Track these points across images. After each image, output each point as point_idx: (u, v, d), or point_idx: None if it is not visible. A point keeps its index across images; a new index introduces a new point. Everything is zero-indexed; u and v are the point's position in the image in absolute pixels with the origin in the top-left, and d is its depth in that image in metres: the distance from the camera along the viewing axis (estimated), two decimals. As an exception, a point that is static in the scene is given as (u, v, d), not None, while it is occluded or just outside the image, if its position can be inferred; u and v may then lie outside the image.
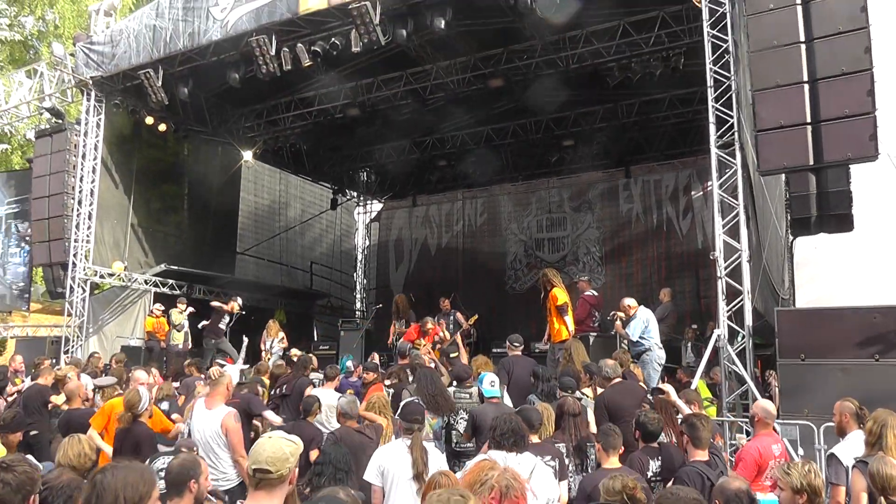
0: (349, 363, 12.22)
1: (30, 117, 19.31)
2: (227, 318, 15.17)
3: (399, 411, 6.06)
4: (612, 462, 5.31)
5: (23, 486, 2.98)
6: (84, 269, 16.08)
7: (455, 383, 8.26)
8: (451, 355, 10.41)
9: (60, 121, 16.66)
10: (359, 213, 26.22)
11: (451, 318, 13.92)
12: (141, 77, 14.63)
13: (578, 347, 9.59)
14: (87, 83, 15.86)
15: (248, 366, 12.98)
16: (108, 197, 16.86)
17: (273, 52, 13.09)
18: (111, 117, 16.57)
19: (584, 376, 8.62)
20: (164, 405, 9.19)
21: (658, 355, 10.15)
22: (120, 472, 2.85)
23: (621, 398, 7.33)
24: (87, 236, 16.13)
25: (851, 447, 5.59)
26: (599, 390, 8.32)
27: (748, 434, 7.43)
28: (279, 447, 3.23)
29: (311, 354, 11.79)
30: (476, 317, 14.01)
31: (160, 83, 14.58)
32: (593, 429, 7.10)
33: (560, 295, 11.31)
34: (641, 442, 5.91)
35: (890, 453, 4.94)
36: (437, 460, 5.45)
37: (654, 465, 5.71)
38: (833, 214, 12.79)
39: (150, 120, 16.56)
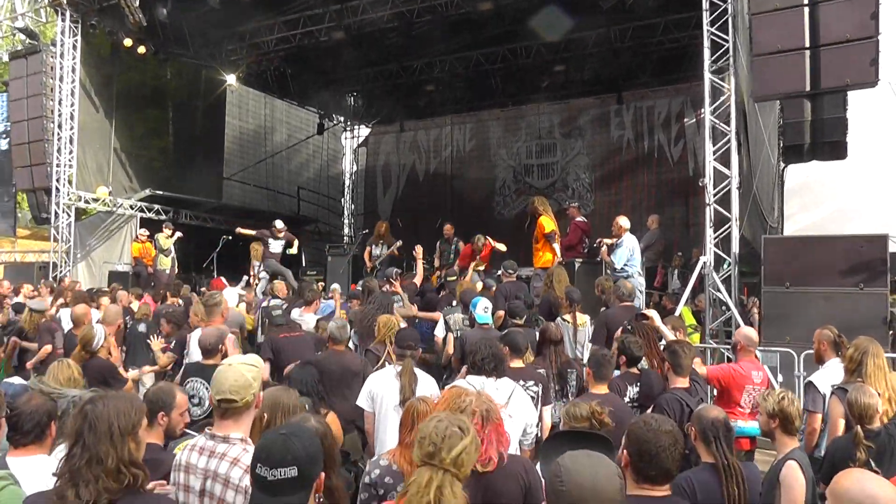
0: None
1: (3, 38, 18.79)
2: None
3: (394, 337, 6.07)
4: (601, 388, 5.29)
5: None
6: (68, 195, 15.91)
7: (463, 308, 8.34)
8: (450, 279, 10.38)
9: (35, 42, 16.14)
10: (346, 139, 25.93)
11: (454, 246, 13.74)
12: (118, -4, 14.16)
13: (560, 274, 9.55)
14: (61, 3, 15.38)
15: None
16: (89, 121, 16.57)
17: (256, -28, 12.68)
18: (88, 39, 16.16)
19: (564, 302, 8.60)
20: (142, 327, 9.24)
21: (639, 282, 10.14)
22: (110, 401, 2.80)
23: (622, 319, 7.35)
24: (70, 161, 15.89)
25: (829, 375, 5.61)
26: (582, 316, 8.34)
27: (730, 360, 7.44)
28: (241, 374, 3.18)
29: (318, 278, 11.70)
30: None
31: (137, 3, 14.13)
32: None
33: (547, 223, 11.23)
34: (624, 367, 5.90)
35: (869, 381, 4.93)
36: (429, 387, 5.44)
37: (632, 391, 5.71)
38: (827, 142, 12.69)
39: (128, 42, 16.07)
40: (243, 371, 3.19)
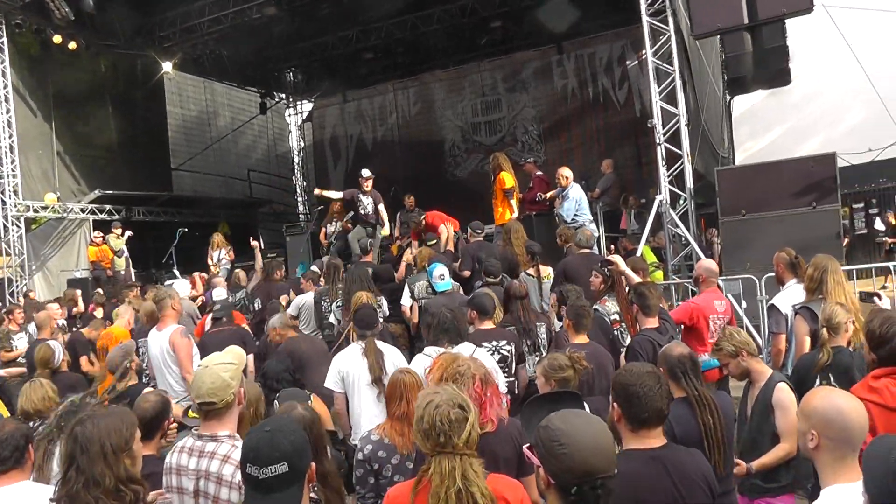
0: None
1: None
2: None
3: (353, 316, 6.05)
4: (582, 339, 5.37)
5: None
6: (15, 206, 15.54)
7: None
8: (430, 242, 10.35)
9: (-42, 48, 15.69)
10: (290, 115, 25.65)
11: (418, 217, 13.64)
12: (41, -8, 13.74)
13: (518, 229, 9.59)
14: (-19, 4, 14.88)
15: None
16: (27, 126, 16.17)
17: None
18: (15, 39, 15.67)
19: (525, 257, 8.68)
20: None
21: (592, 229, 10.26)
22: (100, 420, 2.78)
23: (580, 267, 7.45)
24: (13, 170, 15.51)
25: (789, 296, 5.78)
26: (545, 269, 8.43)
27: (693, 294, 7.61)
28: (217, 376, 3.17)
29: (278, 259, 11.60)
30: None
31: (62, -3, 13.73)
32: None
33: (508, 179, 11.28)
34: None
35: (830, 298, 5.07)
36: (396, 359, 5.50)
37: None
38: (770, 70, 12.85)
39: (58, 38, 15.65)
40: (219, 372, 3.17)
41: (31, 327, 9.57)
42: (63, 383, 6.05)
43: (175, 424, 4.05)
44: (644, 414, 2.98)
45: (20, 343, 9.56)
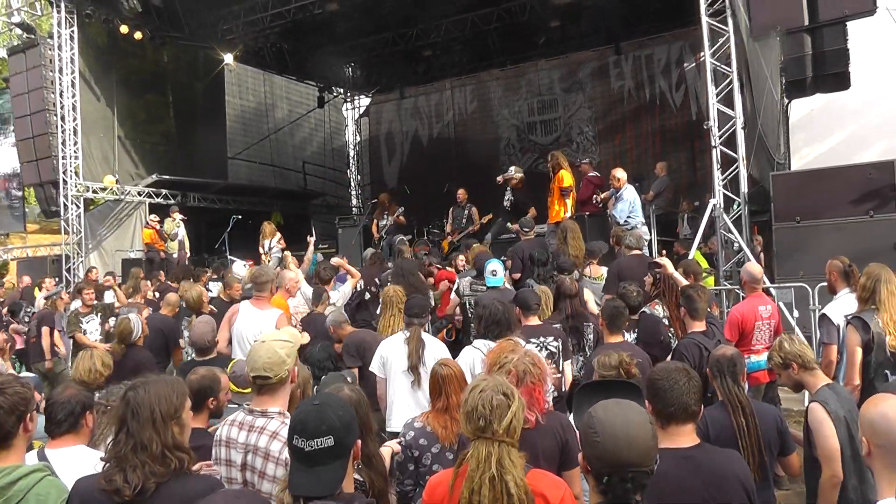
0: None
1: (0, 34, 18.77)
2: None
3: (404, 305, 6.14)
4: (617, 338, 5.38)
5: (16, 406, 2.97)
6: (76, 186, 15.97)
7: (475, 275, 8.39)
8: (459, 258, 10.42)
9: (32, 36, 16.16)
10: (347, 110, 25.83)
11: (466, 212, 13.73)
12: (111, -17, 14.12)
13: (574, 228, 9.58)
14: (55, -6, 15.33)
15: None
16: (91, 111, 16.59)
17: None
18: (84, 28, 16.12)
19: (582, 257, 8.68)
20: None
21: (644, 232, 10.21)
22: (151, 386, 2.86)
23: (634, 268, 7.44)
24: (75, 152, 15.95)
25: (841, 305, 5.64)
26: (598, 269, 8.42)
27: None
28: (273, 351, 3.24)
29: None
30: (490, 216, 13.77)
31: (131, -11, 14.09)
32: (592, 308, 7.21)
33: (566, 177, 11.29)
34: None
35: (884, 308, 4.97)
36: (438, 351, 5.53)
37: (629, 337, 5.84)
38: (829, 74, 12.61)
39: (125, 29, 16.10)
40: (276, 348, 3.25)
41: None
42: (133, 359, 6.22)
43: (229, 396, 4.16)
44: (670, 408, 2.97)
45: (89, 325, 9.65)
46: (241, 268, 11.21)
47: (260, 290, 6.90)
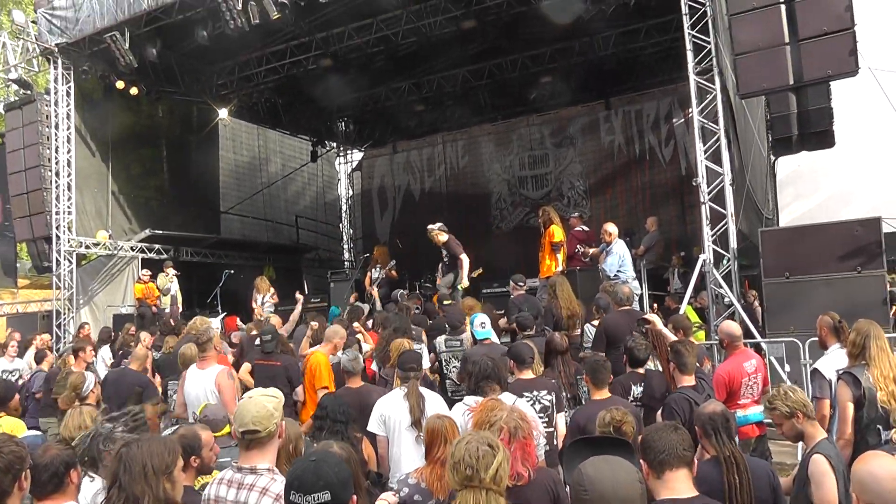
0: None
1: (-2, 90, 18.98)
2: None
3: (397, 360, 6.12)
4: (602, 394, 5.39)
5: (11, 466, 2.97)
6: (68, 241, 15.94)
7: (448, 330, 8.31)
8: (445, 302, 10.42)
9: (29, 91, 16.36)
10: (340, 164, 26.07)
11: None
12: (107, 41, 14.31)
13: (563, 283, 9.59)
14: (52, 51, 15.51)
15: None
16: (85, 166, 16.68)
17: (240, 7, 12.80)
18: (80, 84, 16.26)
19: (572, 311, 8.70)
20: None
21: (634, 286, 10.25)
22: (144, 444, 2.90)
23: (622, 324, 7.44)
24: (69, 207, 15.97)
25: (833, 360, 5.70)
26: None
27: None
28: (262, 405, 3.26)
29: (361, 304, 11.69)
30: (481, 270, 13.80)
31: (127, 45, 14.27)
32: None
33: (557, 232, 11.34)
34: (629, 367, 6.02)
35: (874, 363, 5.01)
36: (437, 405, 5.51)
37: (636, 390, 5.84)
38: (814, 132, 12.86)
39: (120, 84, 16.25)
40: (264, 402, 3.27)
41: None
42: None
43: (217, 451, 4.14)
44: (661, 454, 2.98)
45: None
46: (217, 323, 11.14)
47: (202, 349, 7.02)
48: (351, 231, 25.49)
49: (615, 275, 10.38)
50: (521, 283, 9.87)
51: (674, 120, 18.58)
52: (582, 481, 2.29)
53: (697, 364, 5.70)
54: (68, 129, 16.05)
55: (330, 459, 2.53)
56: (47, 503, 3.38)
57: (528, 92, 20.23)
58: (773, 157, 15.89)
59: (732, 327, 6.59)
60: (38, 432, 7.66)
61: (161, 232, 17.78)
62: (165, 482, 2.83)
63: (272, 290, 15.53)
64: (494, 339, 8.02)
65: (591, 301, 9.09)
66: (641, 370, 6.00)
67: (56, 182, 15.79)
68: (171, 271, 16.05)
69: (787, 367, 8.45)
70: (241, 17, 12.91)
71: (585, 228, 12.66)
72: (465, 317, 8.46)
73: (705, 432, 3.77)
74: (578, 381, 6.45)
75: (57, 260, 15.84)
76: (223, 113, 18.98)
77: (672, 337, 6.17)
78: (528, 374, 5.91)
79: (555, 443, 5.69)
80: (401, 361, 5.86)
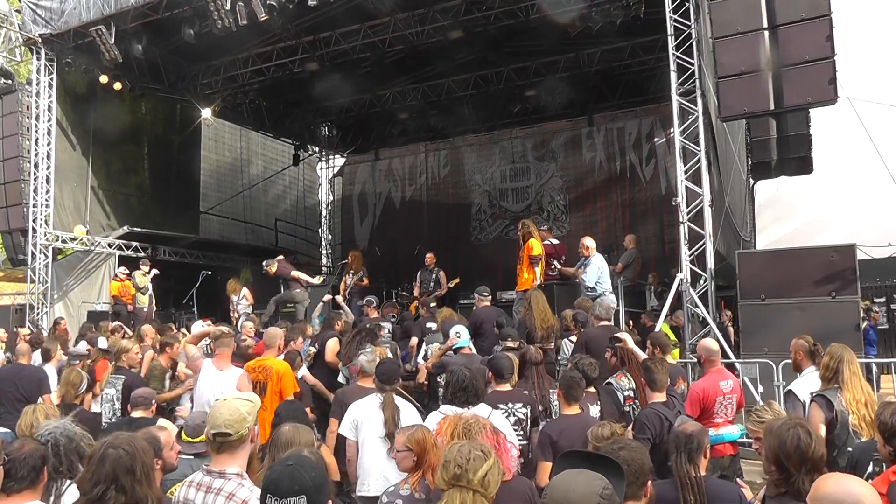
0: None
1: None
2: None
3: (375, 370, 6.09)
4: (573, 409, 5.39)
5: None
6: (45, 235, 15.78)
7: (442, 341, 8.36)
8: (431, 305, 10.44)
9: (10, 81, 16.15)
10: (321, 169, 25.96)
11: (434, 275, 13.82)
12: (92, 34, 14.21)
13: (538, 297, 9.60)
14: (35, 41, 15.38)
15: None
16: (65, 159, 16.51)
17: (228, 7, 12.78)
18: (64, 76, 16.14)
19: (571, 324, 8.73)
20: None
21: (610, 300, 10.29)
22: (136, 441, 2.89)
23: (601, 339, 7.46)
24: (46, 201, 15.81)
25: (807, 383, 5.73)
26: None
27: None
28: (235, 408, 3.24)
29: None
30: (458, 280, 13.88)
31: (113, 40, 14.17)
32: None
33: (535, 246, 11.32)
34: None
35: (846, 387, 5.06)
36: (412, 417, 5.48)
37: (594, 410, 5.84)
38: (793, 158, 13.05)
39: (104, 79, 16.13)
40: (238, 405, 3.25)
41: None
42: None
43: (178, 449, 4.11)
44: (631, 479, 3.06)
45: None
46: (199, 327, 10.99)
47: (220, 344, 6.80)
48: (330, 236, 25.39)
49: (595, 284, 10.42)
50: (486, 294, 9.94)
51: (655, 139, 18.73)
52: (547, 488, 2.34)
53: (672, 383, 5.74)
54: (49, 121, 15.89)
55: (306, 464, 2.52)
56: (17, 498, 3.31)
57: (512, 105, 20.33)
58: (752, 181, 16.06)
59: (710, 345, 6.62)
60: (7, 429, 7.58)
61: (139, 230, 17.63)
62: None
63: (244, 290, 15.43)
64: (472, 349, 8.06)
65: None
66: (593, 389, 6.01)
67: (35, 174, 15.63)
68: (146, 268, 15.80)
69: (761, 388, 8.52)
70: (228, 17, 12.89)
71: (554, 242, 12.65)
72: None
73: (669, 450, 3.79)
74: (551, 394, 6.46)
75: (32, 253, 15.68)
76: (206, 112, 18.90)
77: (643, 355, 6.20)
78: (505, 387, 5.92)
79: (529, 456, 5.69)
80: (378, 372, 5.81)
